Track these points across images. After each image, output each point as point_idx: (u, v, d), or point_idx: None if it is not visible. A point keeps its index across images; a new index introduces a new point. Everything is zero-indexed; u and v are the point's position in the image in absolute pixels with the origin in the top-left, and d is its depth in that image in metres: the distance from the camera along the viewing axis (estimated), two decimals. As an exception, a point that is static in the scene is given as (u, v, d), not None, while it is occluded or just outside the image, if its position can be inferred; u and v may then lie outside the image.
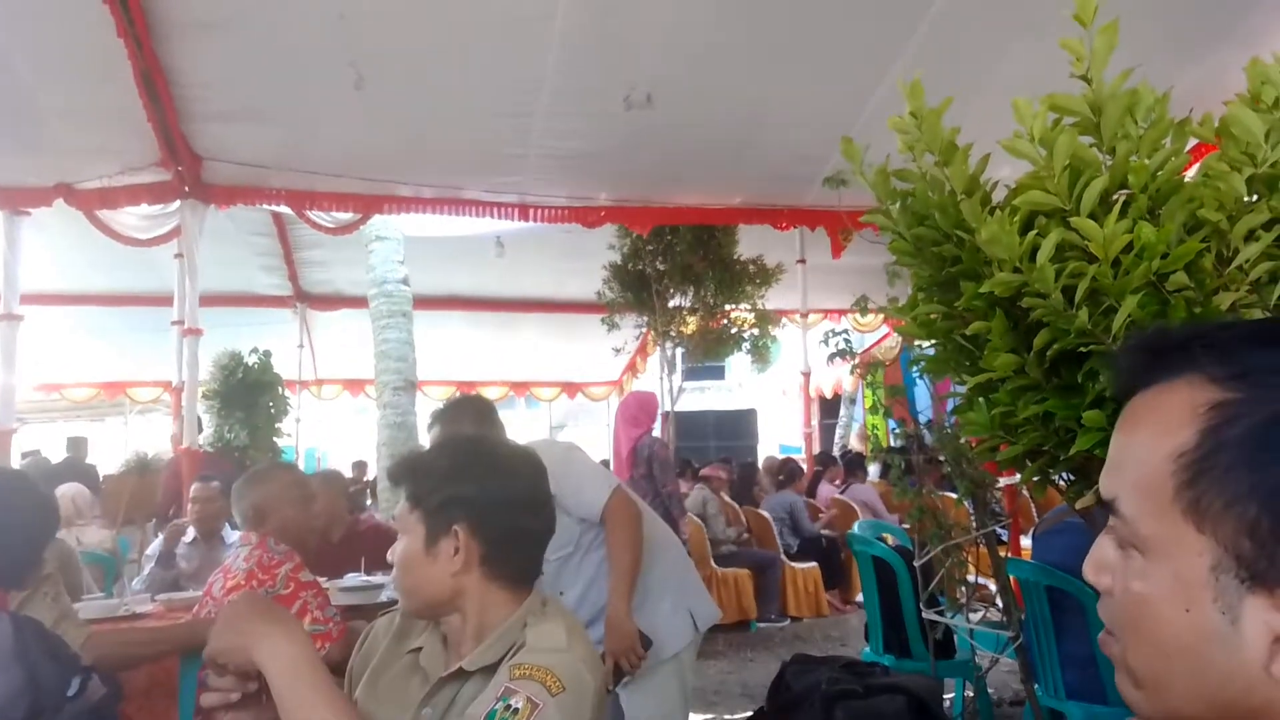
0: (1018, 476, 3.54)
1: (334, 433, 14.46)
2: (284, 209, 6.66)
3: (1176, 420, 0.58)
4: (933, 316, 1.89)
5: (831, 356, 3.67)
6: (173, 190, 5.93)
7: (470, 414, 2.78)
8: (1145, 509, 0.59)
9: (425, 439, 2.80)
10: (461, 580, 1.43)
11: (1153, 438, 0.60)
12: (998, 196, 1.79)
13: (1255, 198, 1.49)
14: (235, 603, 1.36)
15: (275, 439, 8.29)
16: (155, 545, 4.40)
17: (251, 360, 8.14)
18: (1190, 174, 1.59)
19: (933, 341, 1.95)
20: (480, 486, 1.45)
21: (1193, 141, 1.67)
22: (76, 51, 4.75)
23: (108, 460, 9.70)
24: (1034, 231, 1.50)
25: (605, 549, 2.66)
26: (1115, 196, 1.51)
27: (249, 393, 8.02)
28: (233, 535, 4.38)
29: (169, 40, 4.68)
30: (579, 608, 2.70)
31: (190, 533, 4.30)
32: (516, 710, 1.24)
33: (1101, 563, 0.64)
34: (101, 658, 2.27)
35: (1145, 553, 0.59)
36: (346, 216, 6.66)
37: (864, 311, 3.27)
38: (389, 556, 1.50)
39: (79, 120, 5.31)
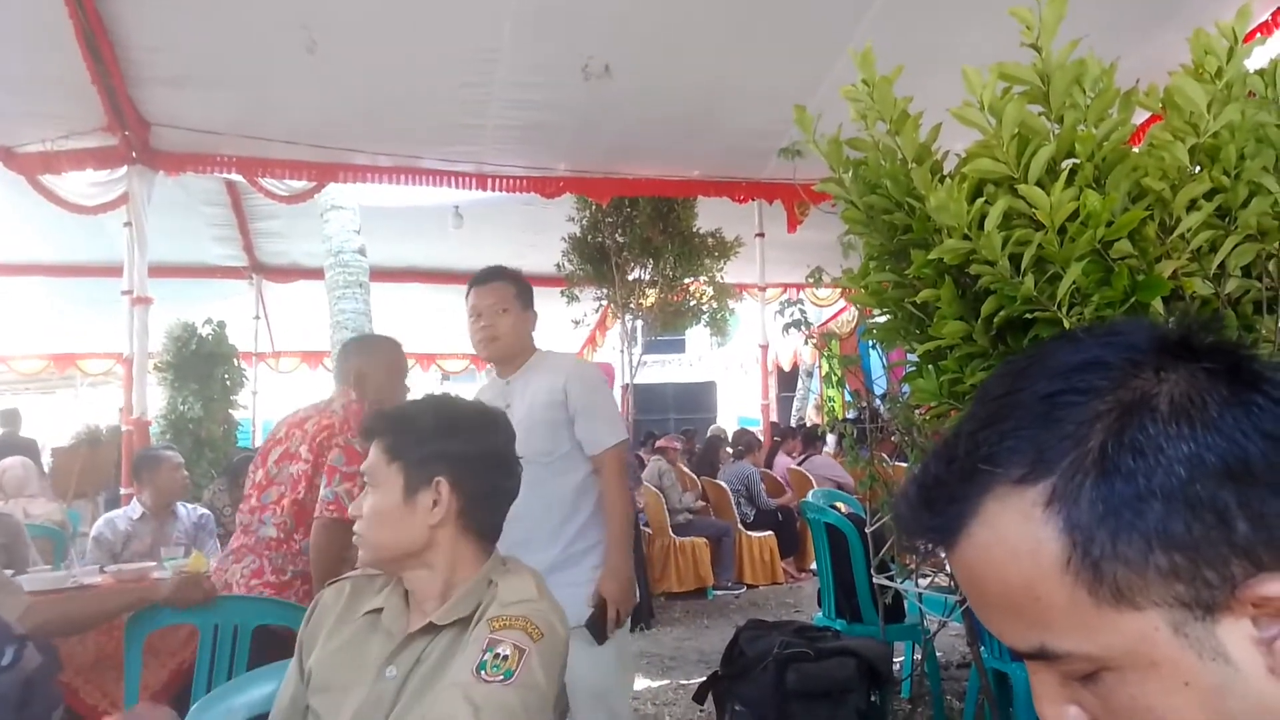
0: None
1: (292, 405, 14.28)
2: (236, 177, 6.52)
3: (1028, 540, 0.54)
4: (884, 285, 1.91)
5: (786, 327, 3.69)
6: (119, 156, 5.78)
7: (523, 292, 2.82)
8: (1078, 632, 0.54)
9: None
10: (436, 533, 1.47)
11: (1025, 571, 0.54)
12: (949, 167, 1.81)
13: (1197, 168, 1.52)
14: None
15: (230, 411, 8.18)
16: (101, 521, 4.31)
17: (205, 331, 8.00)
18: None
19: (884, 310, 1.97)
20: (463, 443, 1.50)
21: (1142, 116, 1.70)
22: (14, 10, 4.59)
23: (59, 434, 9.50)
24: (982, 199, 1.51)
25: (599, 493, 2.66)
26: (1062, 165, 1.53)
27: (203, 364, 7.89)
28: (183, 511, 4.32)
29: (113, 0, 4.54)
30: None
31: (138, 508, 4.21)
32: (505, 657, 1.30)
33: None
34: (43, 625, 2.24)
35: (1112, 668, 0.54)
36: (301, 185, 6.55)
37: (818, 283, 3.29)
38: (351, 511, 1.51)
39: (19, 82, 5.14)
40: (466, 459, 1.49)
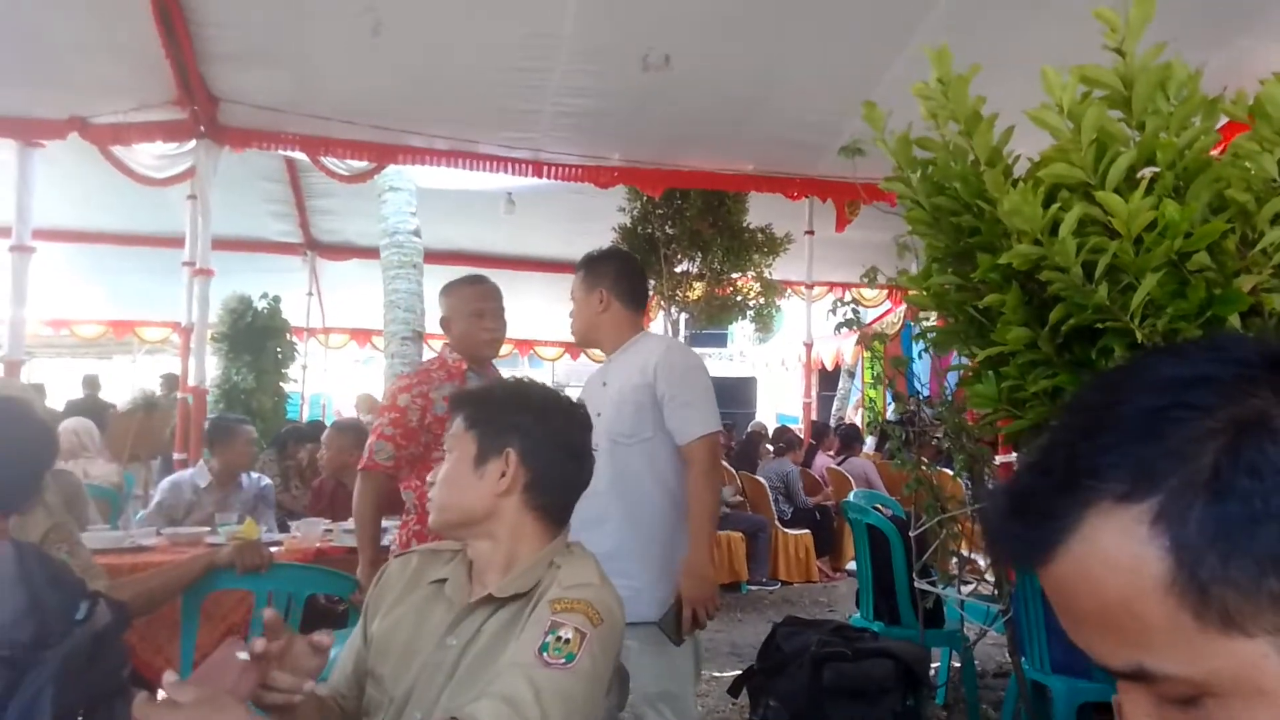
0: (1014, 455, 3.53)
1: (339, 380, 14.53)
2: (299, 155, 6.62)
3: (1129, 558, 0.52)
4: (946, 287, 1.89)
5: (838, 326, 3.67)
6: (187, 130, 5.90)
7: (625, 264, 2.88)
8: (1181, 655, 0.52)
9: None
10: (501, 502, 1.50)
11: (1124, 589, 0.53)
12: (1018, 171, 1.78)
13: (1282, 181, 1.48)
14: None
15: (281, 383, 8.34)
16: (165, 482, 4.41)
17: (261, 305, 8.17)
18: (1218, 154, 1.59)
19: (944, 313, 1.95)
20: (536, 420, 1.54)
21: (1222, 122, 1.66)
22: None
23: (115, 398, 9.75)
24: (1056, 205, 1.49)
25: (686, 487, 2.54)
26: (1141, 173, 1.50)
27: (257, 337, 8.06)
28: (247, 481, 4.40)
29: (188, -23, 4.64)
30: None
31: (205, 474, 4.30)
32: (567, 640, 1.33)
33: None
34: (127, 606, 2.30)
35: (1215, 694, 0.52)
36: (361, 165, 6.63)
37: (873, 283, 3.26)
38: (429, 478, 1.57)
39: (94, 54, 5.26)
40: (538, 436, 1.52)
